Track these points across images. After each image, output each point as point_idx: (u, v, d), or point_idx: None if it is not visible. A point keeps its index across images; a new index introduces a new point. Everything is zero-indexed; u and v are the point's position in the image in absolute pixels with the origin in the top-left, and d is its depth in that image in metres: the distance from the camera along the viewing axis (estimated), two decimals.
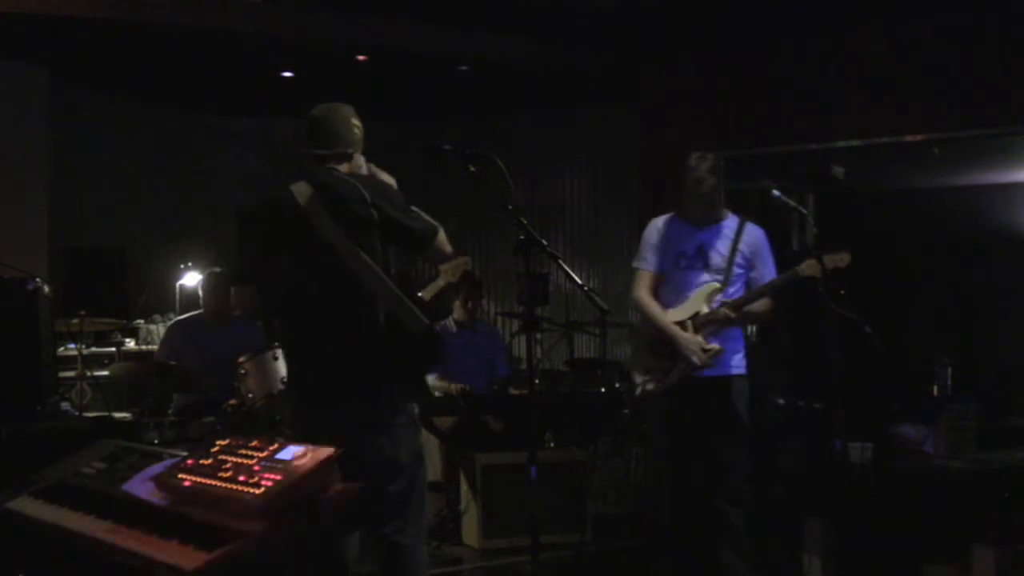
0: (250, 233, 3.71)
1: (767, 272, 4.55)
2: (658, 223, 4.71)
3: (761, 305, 4.53)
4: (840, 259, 4.25)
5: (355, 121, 3.64)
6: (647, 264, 4.67)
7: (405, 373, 3.56)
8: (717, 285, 4.50)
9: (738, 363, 4.57)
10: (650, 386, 4.57)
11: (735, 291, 4.52)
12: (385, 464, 3.43)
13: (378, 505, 3.45)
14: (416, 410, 3.66)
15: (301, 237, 3.45)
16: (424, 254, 3.71)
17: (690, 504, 4.56)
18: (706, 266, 4.55)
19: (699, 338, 4.46)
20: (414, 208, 3.58)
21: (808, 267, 4.29)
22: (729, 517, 4.45)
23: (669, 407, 4.56)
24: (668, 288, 4.62)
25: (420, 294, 5.12)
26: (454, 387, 6.45)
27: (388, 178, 3.67)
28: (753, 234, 4.60)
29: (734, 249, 4.53)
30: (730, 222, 4.62)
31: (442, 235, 3.63)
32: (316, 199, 3.45)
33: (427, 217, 3.61)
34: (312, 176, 3.53)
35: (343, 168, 3.57)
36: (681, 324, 4.50)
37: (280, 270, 3.56)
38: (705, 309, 4.47)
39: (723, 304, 4.44)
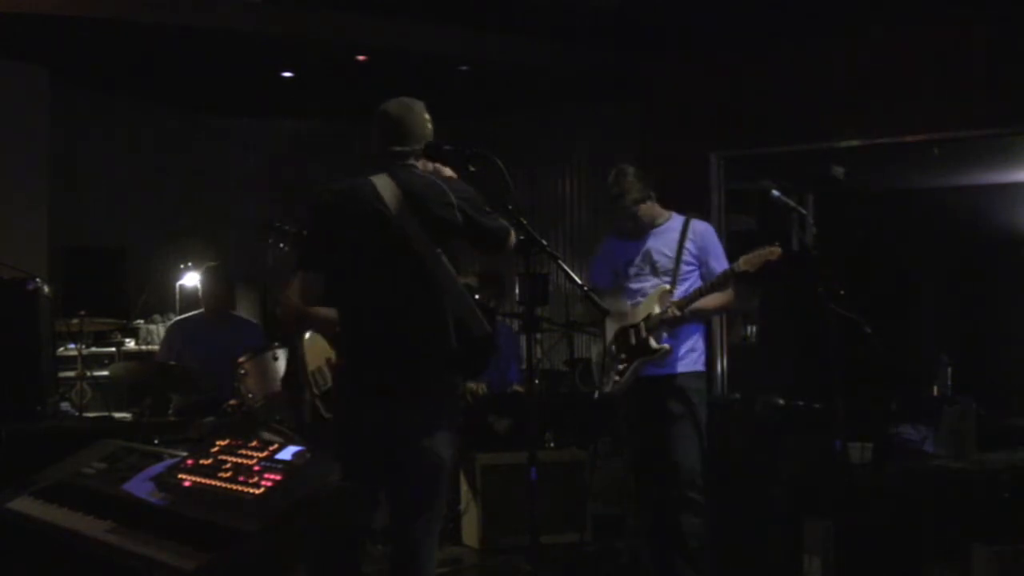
0: (325, 221, 3.57)
1: (719, 265, 4.61)
2: (603, 241, 4.92)
3: (714, 300, 4.56)
4: (771, 252, 4.37)
5: (427, 116, 3.60)
6: (592, 279, 4.87)
7: (463, 376, 3.59)
8: (667, 287, 4.59)
9: (692, 361, 4.64)
10: (607, 388, 4.68)
11: (686, 290, 4.59)
12: (437, 463, 3.42)
13: (424, 503, 3.45)
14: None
15: (383, 234, 3.42)
16: (495, 255, 3.68)
17: (658, 500, 4.61)
18: (653, 271, 4.65)
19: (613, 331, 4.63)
20: (488, 208, 3.53)
21: (744, 263, 4.41)
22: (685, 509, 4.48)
23: (626, 407, 4.67)
24: (626, 298, 4.72)
25: None
26: (477, 387, 6.44)
27: (449, 172, 3.66)
28: (698, 231, 4.68)
29: (680, 248, 4.61)
30: (674, 222, 4.71)
31: (513, 236, 3.59)
32: (404, 200, 3.42)
33: (501, 218, 3.56)
34: (394, 173, 3.49)
35: (419, 165, 3.56)
36: (635, 327, 4.60)
37: (353, 263, 3.50)
38: (657, 310, 4.56)
39: (671, 304, 4.52)
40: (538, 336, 6.94)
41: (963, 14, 6.48)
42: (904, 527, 4.77)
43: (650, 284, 4.64)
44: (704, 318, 4.77)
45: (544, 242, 3.61)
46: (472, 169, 3.62)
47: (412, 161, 3.54)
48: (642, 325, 4.58)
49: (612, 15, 6.97)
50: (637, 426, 4.67)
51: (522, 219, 3.56)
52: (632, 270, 4.70)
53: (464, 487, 6.03)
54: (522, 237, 3.61)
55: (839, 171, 7.87)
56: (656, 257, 4.65)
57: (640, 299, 4.65)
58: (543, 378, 7.18)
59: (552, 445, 6.36)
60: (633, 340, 4.61)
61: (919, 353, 7.45)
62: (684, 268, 4.61)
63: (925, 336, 8.48)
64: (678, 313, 4.48)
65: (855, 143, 7.01)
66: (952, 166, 8.14)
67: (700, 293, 4.52)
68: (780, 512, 5.03)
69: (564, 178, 9.61)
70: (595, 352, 4.85)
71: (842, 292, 4.26)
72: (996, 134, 6.76)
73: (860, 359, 4.39)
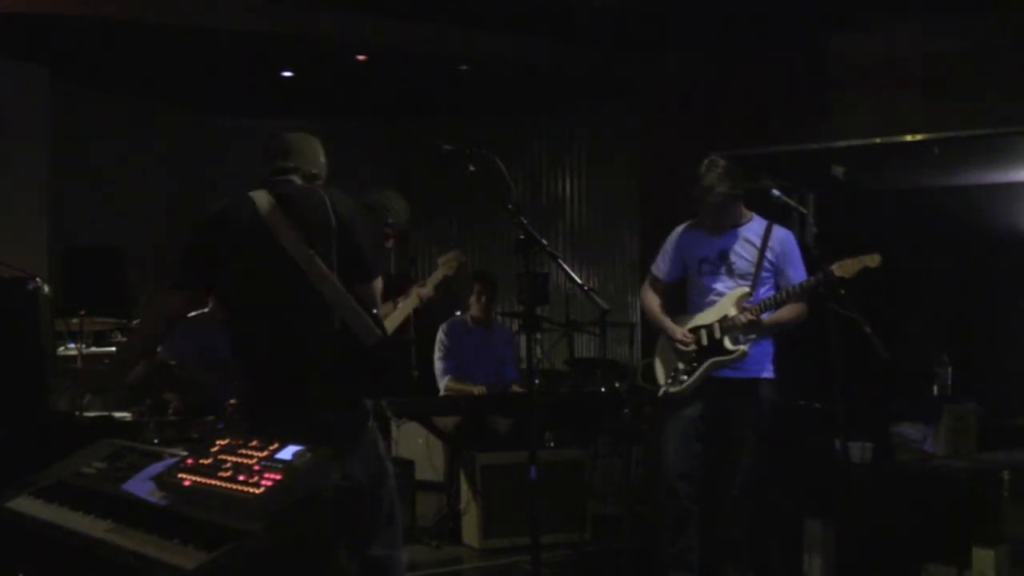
0: (204, 242, 3.59)
1: (796, 275, 4.49)
2: (678, 230, 4.71)
3: (790, 312, 4.47)
4: (871, 259, 4.25)
5: (323, 155, 3.66)
6: (656, 269, 4.75)
7: (361, 386, 3.48)
8: (746, 290, 4.46)
9: (767, 368, 4.54)
10: (674, 388, 4.55)
11: (764, 294, 4.48)
12: (347, 486, 3.26)
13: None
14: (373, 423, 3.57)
15: (260, 244, 3.42)
16: (360, 284, 3.47)
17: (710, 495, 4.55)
18: (729, 272, 4.52)
19: (684, 329, 4.52)
20: (381, 247, 3.55)
21: (839, 268, 4.25)
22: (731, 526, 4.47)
23: (693, 406, 4.52)
24: (693, 294, 4.63)
25: (423, 287, 5.06)
26: (476, 389, 6.41)
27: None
28: (779, 238, 4.54)
29: (761, 255, 4.48)
30: (755, 225, 4.57)
31: (379, 285, 3.54)
32: (277, 207, 3.43)
33: (380, 263, 3.59)
34: (272, 185, 3.51)
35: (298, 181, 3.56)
36: (708, 328, 4.49)
37: (239, 278, 3.51)
38: (733, 312, 4.44)
39: (747, 308, 4.41)
40: (538, 336, 6.95)
41: (963, 13, 6.48)
42: (904, 527, 4.77)
43: (724, 285, 4.51)
44: (778, 331, 4.58)
45: (544, 242, 3.62)
46: (472, 169, 3.63)
47: (293, 177, 3.54)
48: (716, 326, 4.46)
49: (612, 15, 6.97)
50: (700, 429, 4.50)
51: (522, 219, 3.57)
52: (706, 267, 4.56)
53: (464, 487, 6.03)
54: (522, 237, 3.61)
55: (839, 171, 7.86)
56: (734, 259, 4.51)
57: (714, 298, 4.53)
58: (543, 378, 7.17)
59: (552, 445, 6.36)
60: (705, 340, 4.49)
61: (919, 353, 7.43)
62: (762, 275, 4.48)
63: (925, 336, 8.46)
64: (753, 318, 4.37)
65: (855, 143, 7.00)
66: (952, 166, 8.12)
67: (776, 301, 4.41)
68: (780, 512, 5.03)
69: (564, 178, 9.61)
70: (659, 350, 4.70)
71: (842, 292, 4.25)
72: (996, 134, 6.76)
73: (860, 359, 4.38)
